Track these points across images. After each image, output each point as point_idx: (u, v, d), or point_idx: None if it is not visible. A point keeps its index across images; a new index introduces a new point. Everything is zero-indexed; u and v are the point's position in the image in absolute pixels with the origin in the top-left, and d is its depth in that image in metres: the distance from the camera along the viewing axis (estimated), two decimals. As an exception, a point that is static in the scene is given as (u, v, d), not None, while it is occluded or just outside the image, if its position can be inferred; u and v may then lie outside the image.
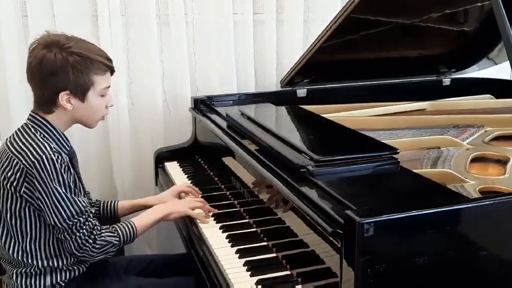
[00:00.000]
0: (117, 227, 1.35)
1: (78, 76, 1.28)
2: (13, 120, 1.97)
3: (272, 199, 1.32)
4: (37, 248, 1.32)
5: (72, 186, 1.28)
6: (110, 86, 1.37)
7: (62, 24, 1.92)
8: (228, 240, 1.36)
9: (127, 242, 1.36)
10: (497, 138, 1.64)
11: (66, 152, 1.35)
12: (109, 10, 2.00)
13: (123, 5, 2.05)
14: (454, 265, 0.98)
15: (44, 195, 1.25)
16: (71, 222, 1.26)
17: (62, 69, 1.27)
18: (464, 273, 1.00)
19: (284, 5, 2.22)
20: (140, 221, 1.41)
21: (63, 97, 1.29)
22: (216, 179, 1.80)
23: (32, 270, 1.33)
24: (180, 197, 1.63)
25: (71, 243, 1.27)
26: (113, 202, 1.60)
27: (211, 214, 1.51)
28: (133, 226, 1.37)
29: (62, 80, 1.28)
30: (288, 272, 1.19)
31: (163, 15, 2.11)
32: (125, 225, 1.36)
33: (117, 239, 1.33)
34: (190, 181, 1.80)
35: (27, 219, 1.30)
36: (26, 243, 1.31)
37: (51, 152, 1.25)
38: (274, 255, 1.27)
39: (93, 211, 1.35)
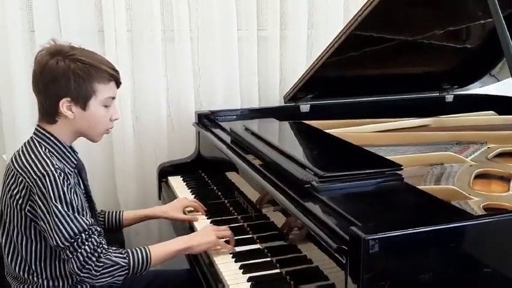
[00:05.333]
0: (129, 250, 1.26)
1: (80, 83, 1.26)
2: (19, 135, 1.98)
3: (276, 214, 1.32)
4: (42, 267, 1.30)
5: (75, 205, 1.23)
6: (114, 98, 1.34)
7: (68, 40, 1.92)
8: (231, 255, 1.35)
9: (139, 269, 1.26)
10: (501, 154, 1.64)
11: (73, 166, 1.34)
12: (115, 26, 2.03)
13: (129, 21, 2.08)
14: (458, 282, 0.98)
15: (45, 214, 1.22)
16: (72, 240, 1.21)
17: (63, 76, 1.25)
18: (469, 291, 1.00)
19: (288, 21, 2.24)
20: (157, 249, 1.30)
21: (63, 104, 1.26)
22: (219, 193, 1.80)
23: None
24: (184, 212, 1.62)
25: (73, 261, 1.21)
26: (117, 212, 1.60)
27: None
28: (149, 254, 1.27)
29: (63, 87, 1.25)
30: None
31: (169, 31, 2.13)
32: (138, 251, 1.27)
33: (126, 261, 1.24)
34: (193, 195, 1.81)
35: (33, 239, 1.28)
36: (32, 262, 1.30)
37: (53, 169, 1.22)
38: (278, 271, 1.26)
39: (99, 229, 1.26)
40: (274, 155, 1.44)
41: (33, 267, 1.30)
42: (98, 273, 1.22)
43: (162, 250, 1.32)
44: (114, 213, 1.59)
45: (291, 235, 1.22)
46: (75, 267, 1.22)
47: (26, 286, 1.33)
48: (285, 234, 1.25)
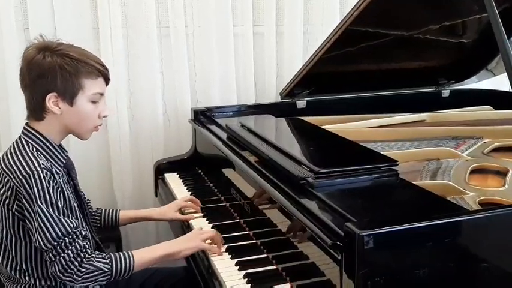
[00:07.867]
0: (112, 255, 1.25)
1: (67, 78, 1.24)
2: (14, 133, 1.97)
3: (270, 209, 1.32)
4: (33, 267, 1.29)
5: (61, 206, 1.21)
6: (103, 94, 1.32)
7: (63, 37, 1.92)
8: (228, 252, 1.36)
9: (121, 274, 1.24)
10: (497, 149, 1.64)
11: (62, 165, 1.32)
12: (110, 22, 2.02)
13: (124, 17, 2.07)
14: (454, 277, 0.98)
15: (30, 214, 1.21)
16: (55, 243, 1.19)
17: (50, 71, 1.23)
18: (464, 285, 1.00)
19: (284, 17, 2.24)
20: (141, 254, 1.29)
21: (50, 100, 1.25)
22: (216, 190, 1.80)
23: (29, 287, 1.31)
24: (182, 212, 1.62)
25: (55, 264, 1.19)
26: (113, 211, 1.59)
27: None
28: (132, 259, 1.26)
29: (49, 82, 1.24)
30: (288, 285, 1.18)
31: (164, 27, 2.13)
32: (121, 256, 1.25)
33: (108, 267, 1.22)
34: (190, 192, 1.80)
35: (22, 239, 1.27)
36: (22, 261, 1.29)
37: (39, 169, 1.20)
38: (274, 267, 1.26)
39: (83, 233, 1.25)
40: (270, 151, 1.44)
41: (24, 266, 1.29)
42: (80, 278, 1.21)
43: (147, 256, 1.30)
44: (110, 211, 1.58)
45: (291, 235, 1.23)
46: (57, 271, 1.21)
47: (19, 286, 1.32)
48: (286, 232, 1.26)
